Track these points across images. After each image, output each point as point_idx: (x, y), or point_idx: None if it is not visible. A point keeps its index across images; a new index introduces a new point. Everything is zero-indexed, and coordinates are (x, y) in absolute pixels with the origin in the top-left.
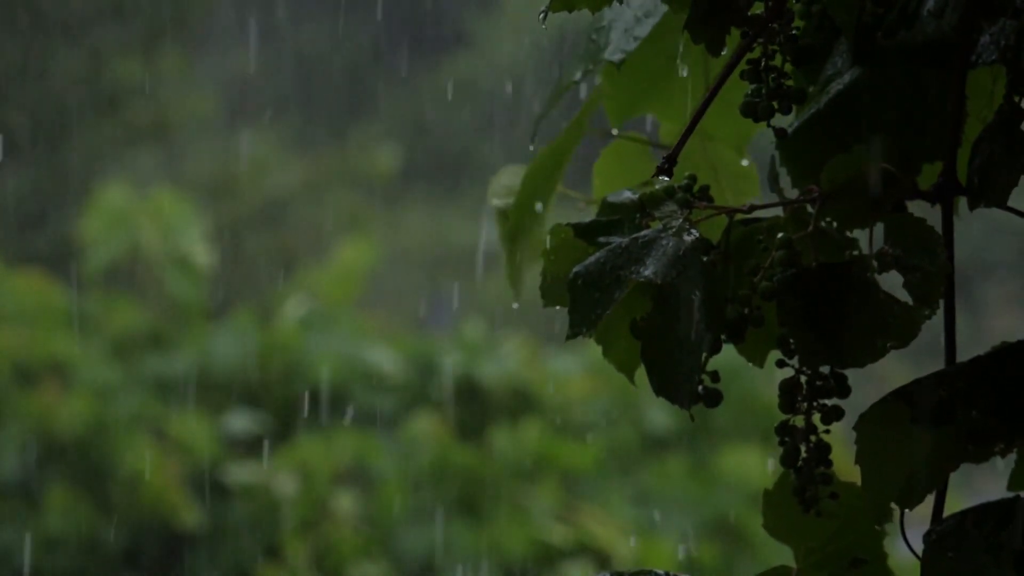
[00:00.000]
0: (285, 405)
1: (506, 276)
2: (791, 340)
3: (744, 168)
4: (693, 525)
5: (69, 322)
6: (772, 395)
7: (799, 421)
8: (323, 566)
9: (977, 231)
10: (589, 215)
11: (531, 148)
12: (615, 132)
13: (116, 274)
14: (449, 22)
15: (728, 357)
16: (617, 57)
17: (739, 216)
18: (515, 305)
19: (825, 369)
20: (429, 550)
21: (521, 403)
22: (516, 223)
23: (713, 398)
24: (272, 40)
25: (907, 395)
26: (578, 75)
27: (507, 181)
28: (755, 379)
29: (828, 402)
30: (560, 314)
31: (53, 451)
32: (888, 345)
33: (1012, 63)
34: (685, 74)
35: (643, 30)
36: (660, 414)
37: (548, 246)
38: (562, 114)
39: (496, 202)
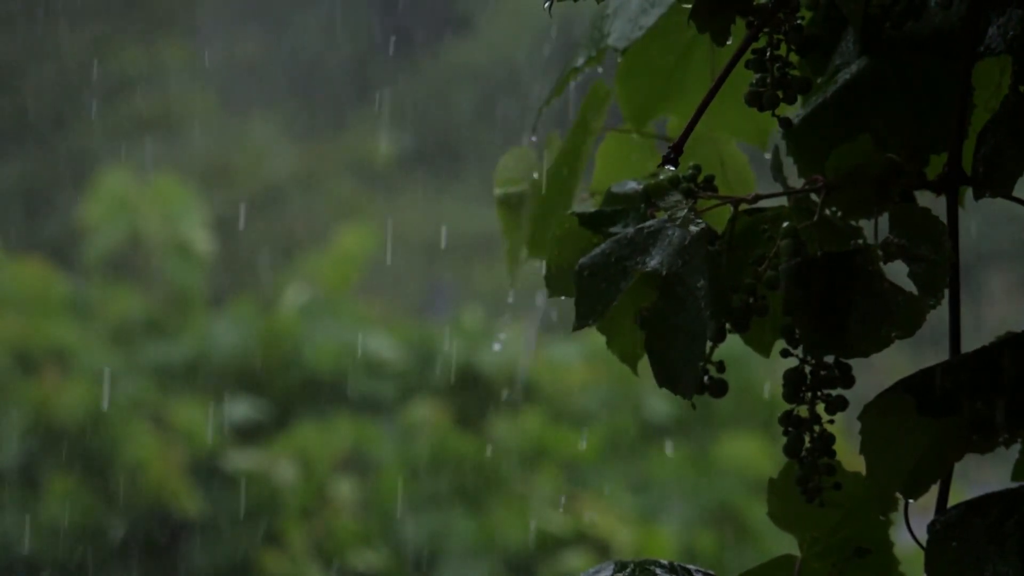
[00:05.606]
0: (285, 392)
1: (507, 265)
2: (796, 329)
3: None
4: (692, 513)
5: (69, 309)
6: (772, 383)
7: (803, 411)
8: (323, 553)
9: (980, 220)
10: (589, 204)
11: (532, 139)
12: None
13: (116, 261)
14: (449, 8)
15: (728, 345)
16: (622, 44)
17: (743, 206)
18: (510, 299)
19: (830, 359)
20: (428, 538)
21: (520, 391)
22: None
23: (719, 388)
24: (272, 28)
25: (912, 386)
26: (580, 62)
27: (513, 167)
28: (754, 367)
29: (832, 392)
30: (560, 303)
31: (53, 438)
32: (893, 335)
33: (1019, 53)
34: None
35: (649, 19)
36: (659, 402)
37: (553, 236)
38: (564, 106)
39: (498, 191)
